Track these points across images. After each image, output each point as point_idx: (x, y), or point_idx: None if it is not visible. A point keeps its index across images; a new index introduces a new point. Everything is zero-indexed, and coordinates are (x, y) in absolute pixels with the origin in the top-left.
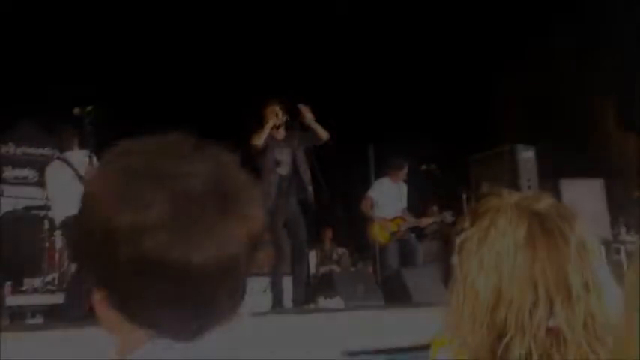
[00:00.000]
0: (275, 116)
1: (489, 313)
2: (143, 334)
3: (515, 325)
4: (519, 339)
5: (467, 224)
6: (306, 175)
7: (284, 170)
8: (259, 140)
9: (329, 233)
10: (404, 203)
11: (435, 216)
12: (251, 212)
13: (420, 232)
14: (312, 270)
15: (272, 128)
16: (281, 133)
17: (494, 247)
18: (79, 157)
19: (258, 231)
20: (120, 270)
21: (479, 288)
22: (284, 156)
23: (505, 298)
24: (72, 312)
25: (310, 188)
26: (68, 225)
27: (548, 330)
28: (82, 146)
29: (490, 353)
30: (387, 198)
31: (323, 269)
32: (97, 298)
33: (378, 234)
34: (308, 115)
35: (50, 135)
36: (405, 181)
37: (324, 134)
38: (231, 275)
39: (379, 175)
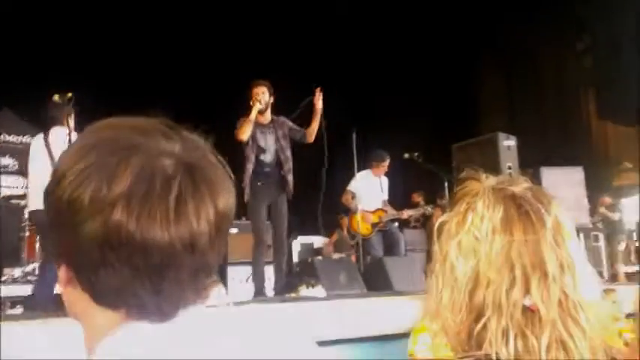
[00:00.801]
0: (259, 99)
1: (468, 296)
2: (110, 319)
3: (493, 305)
4: (496, 318)
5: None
6: (287, 164)
7: (267, 157)
8: (244, 135)
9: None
10: (385, 195)
11: (417, 208)
12: (219, 195)
13: (402, 222)
14: (295, 259)
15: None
16: (267, 117)
17: (472, 230)
18: (60, 135)
19: (225, 214)
20: (85, 245)
21: (457, 271)
22: (268, 142)
23: (483, 280)
24: (42, 301)
25: (291, 177)
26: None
27: (525, 309)
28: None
29: (469, 335)
30: (368, 191)
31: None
32: (63, 277)
33: (360, 226)
34: (319, 104)
35: (30, 123)
36: (385, 174)
37: (312, 137)
38: (195, 255)
39: (361, 162)
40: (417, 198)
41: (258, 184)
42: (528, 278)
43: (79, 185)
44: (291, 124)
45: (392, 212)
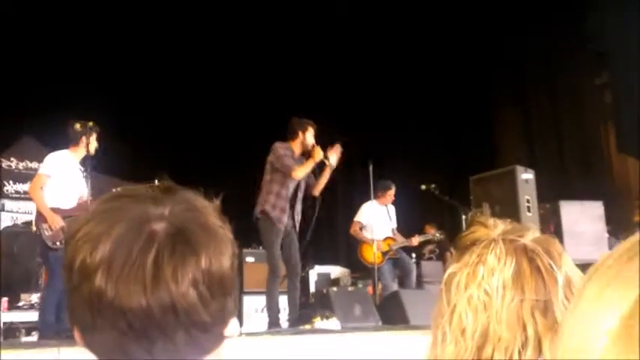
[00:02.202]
0: (315, 142)
1: (475, 351)
2: None
3: None
4: None
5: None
6: (299, 205)
7: (290, 188)
8: (299, 175)
9: None
10: (393, 223)
11: (426, 234)
12: (202, 256)
13: (417, 253)
14: (312, 289)
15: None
16: (318, 149)
17: (483, 285)
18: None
19: (213, 274)
20: (78, 308)
21: (466, 325)
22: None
23: (493, 338)
24: (46, 330)
25: (299, 218)
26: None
27: None
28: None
29: None
30: (376, 220)
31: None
32: (75, 334)
33: (371, 255)
34: (334, 160)
35: (51, 150)
36: (392, 203)
37: (318, 190)
38: (180, 317)
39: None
40: (430, 229)
41: (274, 209)
42: (540, 337)
43: (75, 252)
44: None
45: (401, 240)
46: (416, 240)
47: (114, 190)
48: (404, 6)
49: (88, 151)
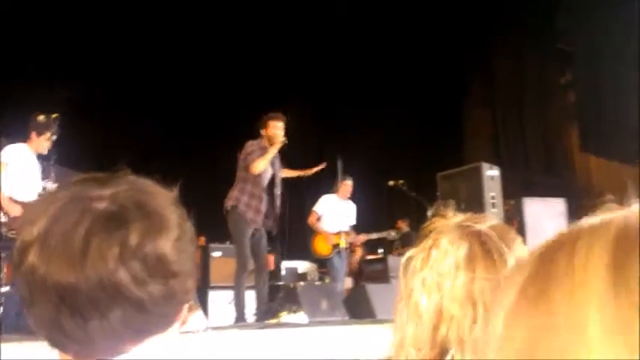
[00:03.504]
0: (280, 134)
1: (431, 332)
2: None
3: (457, 340)
4: (460, 354)
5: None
6: (278, 191)
7: (276, 188)
8: (260, 168)
9: None
10: (352, 221)
11: (378, 233)
12: (130, 235)
13: (385, 248)
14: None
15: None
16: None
17: (436, 267)
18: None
19: (145, 254)
20: (20, 284)
21: (422, 307)
22: (267, 172)
23: (446, 316)
24: (7, 326)
25: (278, 214)
26: None
27: None
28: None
29: None
30: (333, 213)
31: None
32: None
33: (321, 247)
34: (312, 171)
35: (7, 140)
36: (350, 199)
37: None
38: (109, 293)
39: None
40: (402, 224)
41: (248, 208)
42: (490, 315)
43: (19, 232)
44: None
45: (351, 236)
46: (362, 238)
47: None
48: (376, 4)
49: (48, 142)
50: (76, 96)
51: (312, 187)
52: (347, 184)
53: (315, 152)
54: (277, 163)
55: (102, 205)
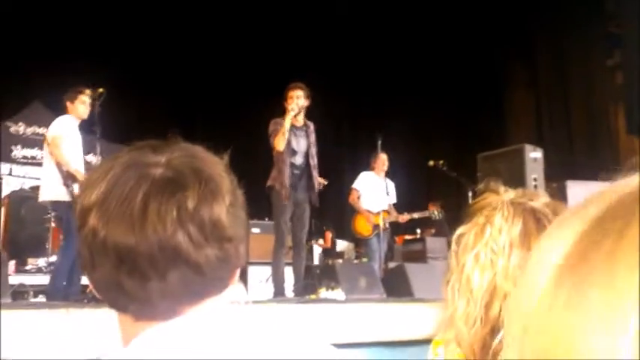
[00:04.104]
0: (293, 107)
1: (484, 308)
2: (126, 324)
3: None
4: None
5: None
6: (315, 171)
7: (298, 160)
8: (281, 146)
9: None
10: (392, 198)
11: (423, 212)
12: (188, 199)
13: (423, 230)
14: (317, 261)
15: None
16: (300, 120)
17: (490, 243)
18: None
19: (203, 218)
20: (82, 247)
21: (473, 283)
22: (300, 145)
23: (499, 294)
24: (55, 294)
25: (317, 183)
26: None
27: None
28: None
29: (483, 347)
30: (373, 190)
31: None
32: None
33: (362, 226)
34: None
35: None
36: (387, 175)
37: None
38: (168, 256)
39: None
40: (432, 208)
41: (283, 187)
42: None
43: (78, 198)
44: (314, 136)
45: (394, 215)
46: (404, 217)
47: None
48: None
49: (84, 105)
50: (117, 73)
51: (349, 166)
52: (382, 158)
53: (355, 129)
54: (311, 135)
55: (158, 171)
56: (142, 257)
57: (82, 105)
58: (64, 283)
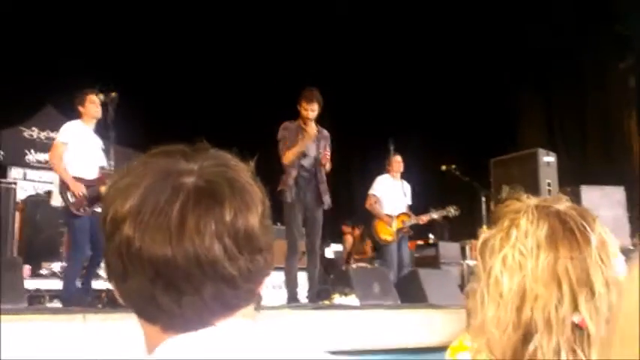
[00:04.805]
0: (311, 110)
1: (515, 312)
2: (152, 334)
3: (543, 321)
4: (547, 336)
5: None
6: (322, 174)
7: (307, 162)
8: (290, 162)
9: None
10: (408, 200)
11: (438, 212)
12: (225, 210)
13: (436, 235)
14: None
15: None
16: (311, 125)
17: (517, 245)
18: (89, 130)
19: (238, 229)
20: (111, 258)
21: (503, 287)
22: (310, 148)
23: (530, 296)
24: (70, 298)
25: (326, 187)
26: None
27: (573, 326)
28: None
29: (515, 353)
30: (390, 194)
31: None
32: (113, 287)
33: (384, 232)
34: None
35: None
36: (401, 177)
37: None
38: (205, 269)
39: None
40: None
41: (297, 189)
42: (576, 295)
43: (108, 205)
44: (328, 143)
45: (414, 218)
46: (425, 218)
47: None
48: None
49: (95, 105)
50: (129, 77)
51: (360, 171)
52: (397, 160)
53: (367, 133)
54: (324, 140)
55: (191, 180)
56: (178, 270)
57: (92, 105)
58: (78, 286)
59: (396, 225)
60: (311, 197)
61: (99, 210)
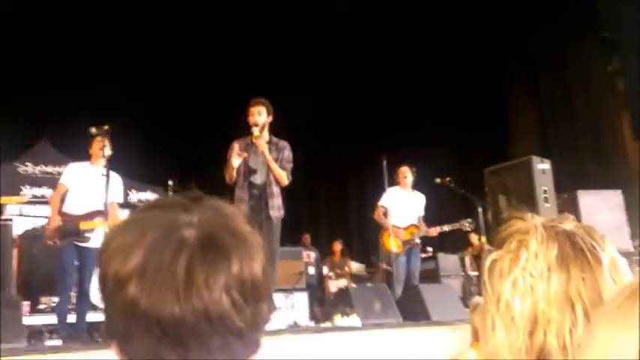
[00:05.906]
0: (255, 117)
1: (527, 337)
2: None
3: (559, 347)
4: None
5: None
6: (271, 188)
7: (257, 179)
8: (231, 178)
9: (338, 246)
10: (420, 212)
11: (452, 224)
12: (232, 262)
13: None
14: (333, 288)
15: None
16: (263, 137)
17: (528, 268)
18: (94, 170)
19: (245, 280)
20: (114, 318)
21: (514, 311)
22: (259, 164)
23: (542, 320)
24: (65, 331)
25: (276, 201)
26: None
27: None
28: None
29: None
30: (399, 206)
31: (336, 284)
32: (113, 347)
33: (392, 243)
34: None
35: (67, 154)
36: (413, 188)
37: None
38: (214, 323)
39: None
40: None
41: (247, 206)
42: (590, 316)
43: (108, 263)
44: (288, 155)
45: (422, 229)
46: (434, 230)
47: (129, 193)
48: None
49: (103, 154)
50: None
51: (355, 189)
52: (402, 171)
53: (359, 149)
54: (281, 151)
55: (193, 233)
56: (186, 328)
57: (96, 147)
58: (74, 321)
59: (403, 236)
60: (263, 213)
61: (82, 244)
